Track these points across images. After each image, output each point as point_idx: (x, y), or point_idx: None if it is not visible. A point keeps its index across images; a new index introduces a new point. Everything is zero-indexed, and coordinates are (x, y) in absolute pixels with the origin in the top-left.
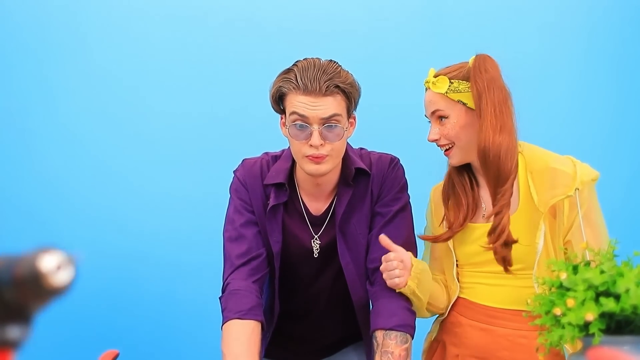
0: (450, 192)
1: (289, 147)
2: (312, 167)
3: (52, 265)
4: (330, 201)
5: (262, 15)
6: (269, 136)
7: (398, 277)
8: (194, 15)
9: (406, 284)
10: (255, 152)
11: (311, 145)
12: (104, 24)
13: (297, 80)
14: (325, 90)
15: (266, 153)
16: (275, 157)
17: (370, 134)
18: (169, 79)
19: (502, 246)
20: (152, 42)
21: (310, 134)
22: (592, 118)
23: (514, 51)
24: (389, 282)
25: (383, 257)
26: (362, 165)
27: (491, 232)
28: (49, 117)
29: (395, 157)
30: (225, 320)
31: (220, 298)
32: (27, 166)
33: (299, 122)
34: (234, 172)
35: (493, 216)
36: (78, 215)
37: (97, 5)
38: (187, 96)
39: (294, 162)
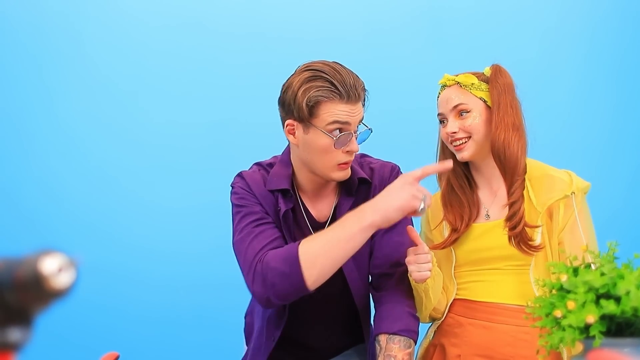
0: (450, 197)
1: (283, 153)
2: (342, 174)
3: (53, 268)
4: (332, 206)
5: (261, 22)
6: (267, 142)
7: (430, 270)
8: (193, 22)
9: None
10: (255, 159)
11: (348, 152)
12: (103, 29)
13: (338, 88)
14: (361, 97)
15: (257, 164)
16: (270, 165)
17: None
18: (168, 85)
19: (519, 233)
20: (151, 49)
21: (350, 140)
22: (593, 121)
23: (514, 55)
24: (416, 275)
25: (412, 250)
26: (364, 175)
27: (509, 219)
28: (48, 121)
29: (396, 165)
30: (293, 249)
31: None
32: (27, 170)
33: (341, 130)
34: (232, 185)
35: (509, 206)
36: (78, 218)
37: (96, 11)
38: (186, 102)
39: (292, 168)
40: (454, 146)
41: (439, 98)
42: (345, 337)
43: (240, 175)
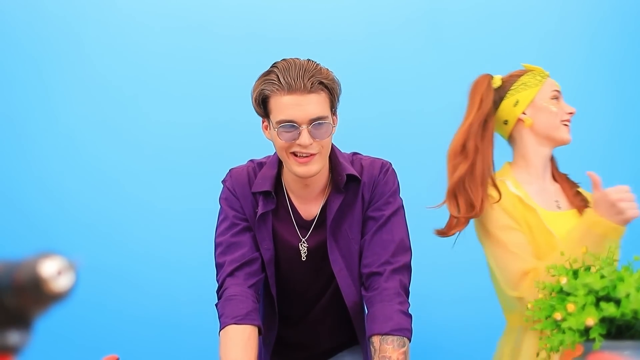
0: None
1: (274, 153)
2: (302, 169)
3: (53, 271)
4: (321, 205)
5: (261, 23)
6: (267, 143)
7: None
8: (192, 23)
9: None
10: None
11: (300, 145)
12: (102, 31)
13: (280, 80)
14: (310, 88)
15: (251, 160)
16: (261, 164)
17: (367, 138)
18: (168, 86)
19: None
20: (150, 50)
21: (299, 134)
22: (593, 122)
23: (514, 57)
24: (631, 212)
25: (613, 190)
26: (353, 172)
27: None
28: (47, 122)
29: (387, 162)
30: (222, 326)
31: (216, 305)
32: (26, 171)
33: (287, 124)
34: (222, 182)
35: (577, 193)
36: (77, 220)
37: (96, 12)
38: (186, 104)
39: (280, 168)
40: (567, 126)
41: (550, 81)
42: (340, 337)
43: (230, 173)
